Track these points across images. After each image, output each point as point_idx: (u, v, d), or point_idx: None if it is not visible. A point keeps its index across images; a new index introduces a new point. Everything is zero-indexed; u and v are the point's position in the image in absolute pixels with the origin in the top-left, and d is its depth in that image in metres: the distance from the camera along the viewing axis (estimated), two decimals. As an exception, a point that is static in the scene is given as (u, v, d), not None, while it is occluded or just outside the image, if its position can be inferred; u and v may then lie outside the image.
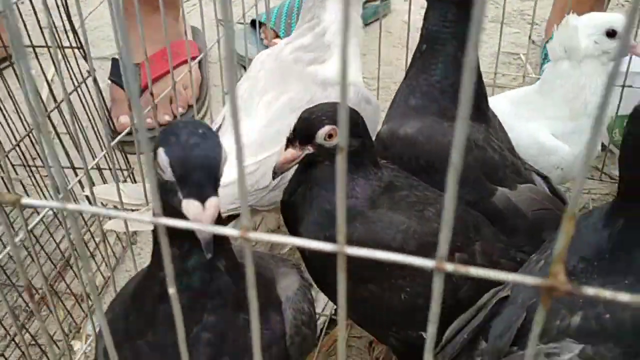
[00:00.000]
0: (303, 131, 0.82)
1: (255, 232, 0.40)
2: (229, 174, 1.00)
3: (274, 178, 0.87)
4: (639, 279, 0.66)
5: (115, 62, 1.65)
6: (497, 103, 1.18)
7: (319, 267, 0.86)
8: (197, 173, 0.53)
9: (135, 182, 1.33)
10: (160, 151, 0.55)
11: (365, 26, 2.00)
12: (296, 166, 0.87)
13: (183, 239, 0.59)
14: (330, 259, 0.84)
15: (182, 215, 0.54)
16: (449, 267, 0.34)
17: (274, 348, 0.65)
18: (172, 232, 0.57)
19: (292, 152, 0.83)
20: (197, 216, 0.52)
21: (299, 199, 0.87)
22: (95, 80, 1.06)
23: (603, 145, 1.22)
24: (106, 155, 1.10)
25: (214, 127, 1.11)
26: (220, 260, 0.62)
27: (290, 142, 0.83)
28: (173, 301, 0.40)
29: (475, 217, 0.90)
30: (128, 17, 1.63)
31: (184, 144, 0.54)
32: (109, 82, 1.62)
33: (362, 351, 1.11)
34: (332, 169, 0.82)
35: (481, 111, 0.99)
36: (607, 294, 0.33)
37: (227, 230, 0.40)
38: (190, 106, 1.60)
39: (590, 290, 0.33)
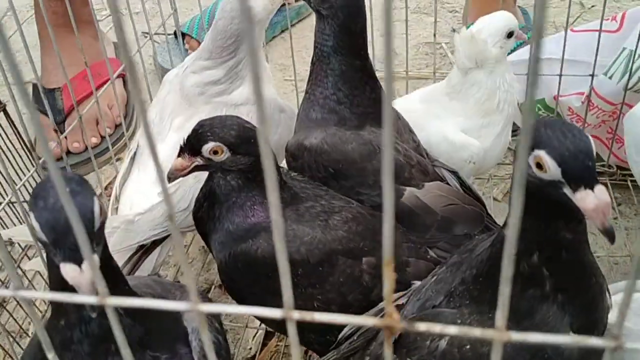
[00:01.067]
0: (191, 143, 0.83)
1: (113, 297, 0.40)
2: (147, 201, 1.02)
3: (169, 181, 0.88)
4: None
5: (36, 89, 1.63)
6: (408, 102, 1.21)
7: (227, 279, 0.89)
8: (69, 236, 0.52)
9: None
10: (32, 217, 0.54)
11: (291, 27, 2.03)
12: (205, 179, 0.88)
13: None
14: (236, 270, 0.85)
15: None
16: (296, 315, 0.36)
17: None
18: (65, 286, 0.58)
19: (181, 161, 0.84)
20: (75, 280, 0.52)
21: (205, 214, 0.89)
22: (4, 111, 1.05)
23: (517, 126, 1.25)
24: (26, 184, 1.10)
25: (130, 154, 1.11)
26: None
27: (181, 151, 0.84)
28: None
29: (379, 219, 0.93)
30: (45, 41, 1.61)
31: (52, 207, 0.53)
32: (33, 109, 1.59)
33: None
34: (230, 186, 0.85)
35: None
36: (437, 328, 0.35)
37: (82, 299, 0.40)
38: (117, 125, 1.59)
39: (422, 326, 0.35)
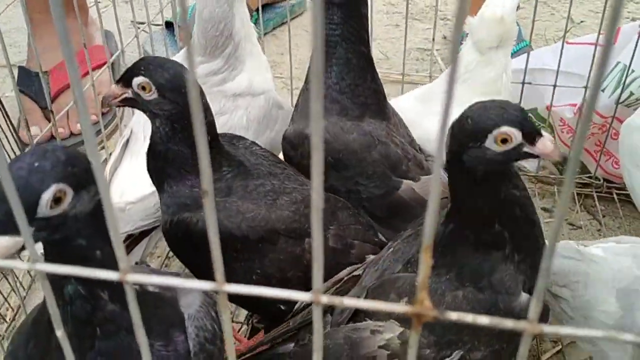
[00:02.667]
0: (126, 73, 0.83)
1: (135, 274, 0.40)
2: (139, 190, 1.00)
3: (102, 107, 0.89)
4: (459, 275, 0.74)
5: (22, 71, 1.60)
6: (404, 102, 1.21)
7: (170, 244, 0.90)
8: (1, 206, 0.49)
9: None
10: None
11: (281, 25, 2.02)
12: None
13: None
14: (176, 238, 0.84)
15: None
16: (324, 299, 0.35)
17: None
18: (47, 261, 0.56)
19: (115, 88, 0.84)
20: None
21: (152, 168, 0.90)
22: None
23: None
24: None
25: (122, 141, 1.09)
26: (103, 290, 0.59)
27: (119, 80, 0.84)
28: (61, 342, 0.40)
29: (335, 202, 0.94)
30: (35, 25, 1.58)
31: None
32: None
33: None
34: (159, 134, 0.84)
35: (380, 108, 1.02)
36: (469, 318, 0.35)
37: (104, 274, 0.39)
38: (104, 113, 1.57)
39: (453, 315, 0.35)
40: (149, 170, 0.89)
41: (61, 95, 1.55)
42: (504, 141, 0.67)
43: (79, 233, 0.56)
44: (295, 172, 0.95)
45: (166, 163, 0.85)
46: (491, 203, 0.71)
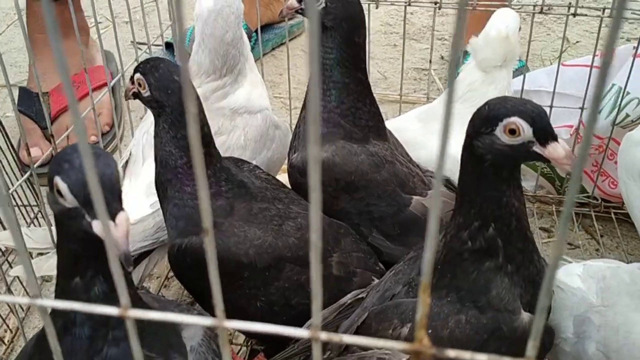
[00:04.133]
0: (135, 70, 0.87)
1: (134, 310, 0.40)
2: (138, 212, 1.00)
3: (126, 99, 0.92)
4: (460, 296, 0.75)
5: (23, 92, 1.61)
6: (405, 122, 1.22)
7: (175, 269, 0.90)
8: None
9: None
10: (57, 180, 0.55)
11: (280, 46, 2.04)
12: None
13: (87, 268, 0.59)
14: (184, 263, 0.85)
15: (87, 241, 0.55)
16: (323, 335, 0.36)
17: None
18: (75, 261, 0.58)
19: (129, 83, 0.89)
20: (111, 235, 0.52)
21: (158, 180, 0.90)
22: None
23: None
24: (17, 191, 1.08)
25: (121, 163, 1.09)
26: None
27: (132, 76, 0.88)
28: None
29: (338, 228, 0.95)
30: (35, 46, 1.59)
31: (79, 167, 0.53)
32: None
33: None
34: (159, 131, 0.86)
35: (381, 129, 1.03)
36: (467, 355, 0.35)
37: (104, 309, 0.40)
38: (104, 133, 1.58)
39: (451, 353, 0.35)
40: (156, 182, 0.90)
41: (61, 116, 1.56)
42: (512, 132, 0.68)
43: None
44: (297, 196, 0.96)
45: (164, 169, 0.86)
46: (491, 203, 0.72)
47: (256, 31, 1.46)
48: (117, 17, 1.62)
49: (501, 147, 0.69)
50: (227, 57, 1.08)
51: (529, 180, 1.43)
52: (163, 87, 0.84)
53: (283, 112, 1.71)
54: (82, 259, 0.59)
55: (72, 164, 0.54)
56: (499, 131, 0.69)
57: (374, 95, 1.03)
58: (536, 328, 0.33)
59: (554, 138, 0.69)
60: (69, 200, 0.55)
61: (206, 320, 0.38)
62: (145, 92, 0.85)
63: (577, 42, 2.03)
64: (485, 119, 0.70)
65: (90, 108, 1.14)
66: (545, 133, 0.68)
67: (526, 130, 0.68)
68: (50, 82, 1.59)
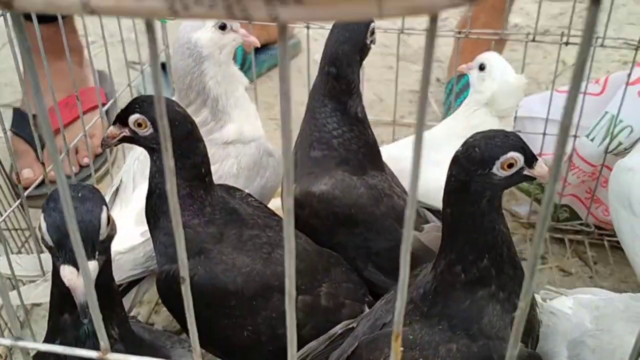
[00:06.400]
0: (122, 113, 0.85)
1: (113, 353, 0.40)
2: (129, 240, 1.00)
3: (101, 148, 0.91)
4: (451, 324, 0.75)
5: (17, 112, 1.61)
6: (400, 150, 1.21)
7: (162, 296, 0.89)
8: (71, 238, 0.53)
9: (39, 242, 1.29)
10: (41, 217, 0.57)
11: (275, 67, 2.04)
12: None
13: (74, 305, 0.59)
14: (171, 290, 0.84)
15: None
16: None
17: None
18: (64, 297, 0.59)
19: (112, 129, 0.86)
20: (72, 282, 0.53)
21: (149, 209, 0.89)
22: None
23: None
24: (11, 216, 1.07)
25: (111, 190, 1.09)
26: (113, 327, 0.63)
27: (115, 120, 0.86)
28: None
29: (328, 258, 0.94)
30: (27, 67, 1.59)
31: (60, 209, 0.55)
32: (10, 133, 1.56)
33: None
34: (156, 167, 0.86)
35: (378, 160, 1.03)
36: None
37: (83, 352, 0.40)
38: (96, 156, 1.57)
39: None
40: (146, 211, 0.89)
41: (57, 137, 1.56)
42: (510, 166, 0.74)
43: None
44: None
45: (161, 199, 0.86)
46: (487, 234, 0.75)
47: (250, 53, 1.46)
48: (112, 37, 1.62)
49: (499, 182, 0.74)
50: (180, 89, 1.06)
51: (523, 206, 1.43)
52: (171, 120, 0.82)
53: (278, 134, 1.71)
54: (69, 296, 0.59)
55: (57, 204, 0.55)
56: (497, 168, 0.73)
57: (369, 118, 1.03)
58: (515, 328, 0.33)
59: (536, 158, 0.75)
60: (47, 239, 0.56)
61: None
62: (147, 131, 0.84)
63: (574, 64, 2.03)
64: (480, 161, 0.73)
65: (82, 135, 1.14)
66: (532, 157, 0.75)
67: (521, 160, 0.74)
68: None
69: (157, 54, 0.30)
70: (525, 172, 0.75)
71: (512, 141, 0.74)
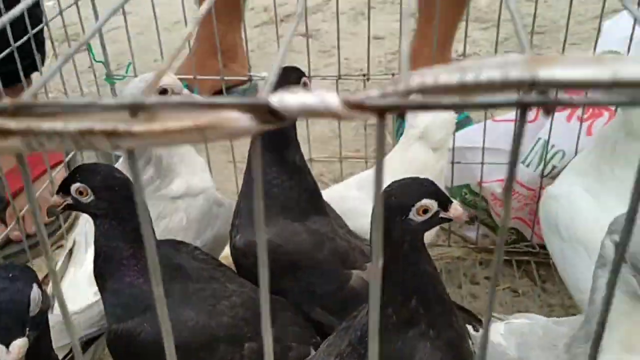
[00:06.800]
0: (64, 183, 0.89)
1: None
2: (83, 300, 1.03)
3: (48, 217, 0.92)
4: None
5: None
6: (344, 191, 1.26)
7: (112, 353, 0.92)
8: (1, 317, 0.58)
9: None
10: None
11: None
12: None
13: None
14: (120, 347, 0.86)
15: None
16: None
17: None
18: None
19: (56, 198, 0.90)
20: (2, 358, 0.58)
21: (97, 271, 0.92)
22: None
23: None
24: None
25: (65, 251, 1.12)
26: None
27: (59, 189, 0.90)
28: None
29: (274, 304, 0.97)
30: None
31: None
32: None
33: None
34: (99, 232, 0.89)
35: (320, 204, 1.07)
36: None
37: None
38: (46, 224, 1.60)
39: None
40: (95, 274, 0.92)
41: (17, 199, 1.58)
42: (425, 211, 0.78)
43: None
44: (234, 273, 0.99)
45: (106, 262, 0.89)
46: (412, 275, 0.78)
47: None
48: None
49: (416, 226, 0.78)
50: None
51: (472, 230, 1.48)
52: (109, 186, 0.87)
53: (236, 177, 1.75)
54: None
55: None
56: (413, 214, 0.78)
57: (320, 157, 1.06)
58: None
59: (450, 201, 0.80)
60: None
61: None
62: (88, 198, 0.87)
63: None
64: (397, 209, 0.77)
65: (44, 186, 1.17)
66: (445, 200, 0.80)
67: (434, 206, 0.79)
68: (5, 163, 1.61)
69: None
70: (442, 215, 0.80)
71: (425, 188, 0.79)
